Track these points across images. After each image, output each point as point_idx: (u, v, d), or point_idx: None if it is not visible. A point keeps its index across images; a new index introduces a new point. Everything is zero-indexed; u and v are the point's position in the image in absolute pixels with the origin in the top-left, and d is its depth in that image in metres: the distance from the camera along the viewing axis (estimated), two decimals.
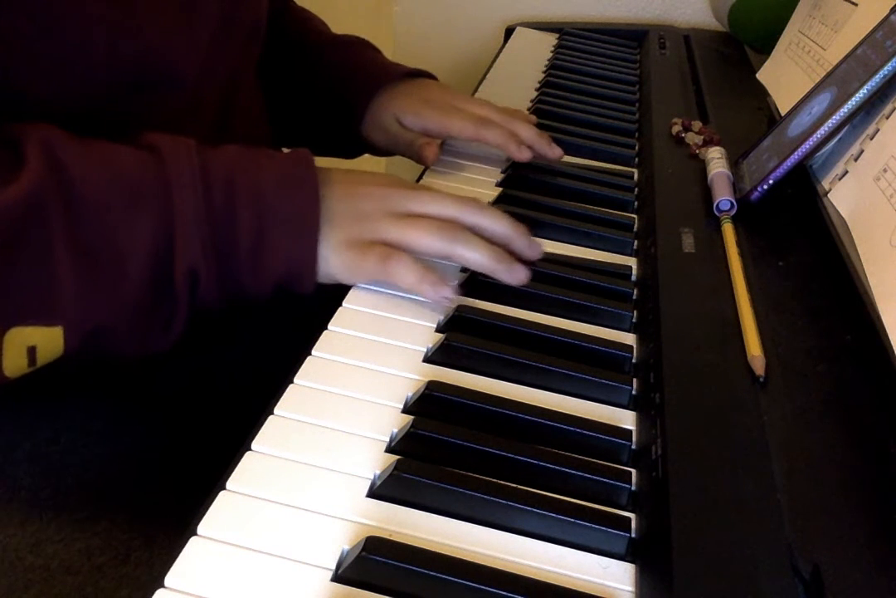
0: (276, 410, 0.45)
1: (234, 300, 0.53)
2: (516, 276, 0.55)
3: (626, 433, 0.46)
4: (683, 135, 0.80)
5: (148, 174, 0.49)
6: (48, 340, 0.47)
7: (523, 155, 0.71)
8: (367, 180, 0.55)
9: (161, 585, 0.36)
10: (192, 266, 0.49)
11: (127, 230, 0.48)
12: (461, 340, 0.51)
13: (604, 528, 0.40)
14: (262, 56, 0.73)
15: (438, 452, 0.43)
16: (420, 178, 0.71)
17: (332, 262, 0.53)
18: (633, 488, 0.43)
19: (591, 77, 1.00)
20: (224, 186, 0.50)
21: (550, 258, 0.61)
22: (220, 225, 0.50)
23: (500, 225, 0.56)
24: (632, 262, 0.63)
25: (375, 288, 0.55)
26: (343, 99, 0.75)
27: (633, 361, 0.53)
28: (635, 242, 0.66)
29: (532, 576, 0.38)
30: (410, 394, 0.47)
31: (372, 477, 0.42)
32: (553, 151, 0.74)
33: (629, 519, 0.41)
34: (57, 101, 0.53)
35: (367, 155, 0.81)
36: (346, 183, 0.54)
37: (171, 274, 0.49)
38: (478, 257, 0.53)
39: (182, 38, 0.57)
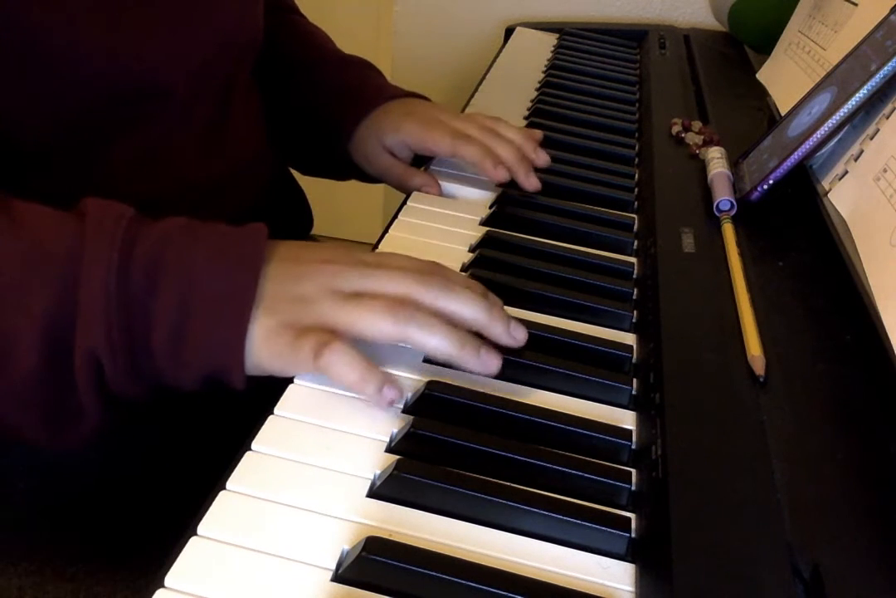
0: (276, 410, 0.45)
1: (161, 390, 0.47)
2: (486, 365, 0.46)
3: (626, 433, 0.46)
4: (683, 135, 0.80)
5: (61, 242, 0.44)
6: None
7: (498, 175, 0.65)
8: (315, 257, 0.48)
9: (161, 585, 0.36)
10: (93, 351, 0.43)
11: (19, 300, 0.42)
12: None
13: (604, 528, 0.40)
14: (261, 70, 0.72)
15: (438, 452, 0.43)
16: None
17: (262, 351, 0.45)
18: (633, 488, 0.43)
19: (591, 77, 1.00)
20: (148, 263, 0.44)
21: (550, 259, 0.61)
22: (134, 307, 0.43)
23: (470, 309, 0.47)
24: (632, 262, 0.63)
25: None
26: (333, 119, 0.73)
27: (633, 361, 0.53)
28: (635, 242, 0.66)
29: (532, 576, 0.38)
30: (410, 394, 0.47)
31: (372, 477, 0.42)
32: (529, 182, 0.67)
33: (629, 519, 0.41)
34: (46, 112, 0.53)
35: None
36: (289, 260, 0.47)
37: (70, 358, 0.43)
38: (437, 342, 0.45)
39: (173, 53, 0.57)
